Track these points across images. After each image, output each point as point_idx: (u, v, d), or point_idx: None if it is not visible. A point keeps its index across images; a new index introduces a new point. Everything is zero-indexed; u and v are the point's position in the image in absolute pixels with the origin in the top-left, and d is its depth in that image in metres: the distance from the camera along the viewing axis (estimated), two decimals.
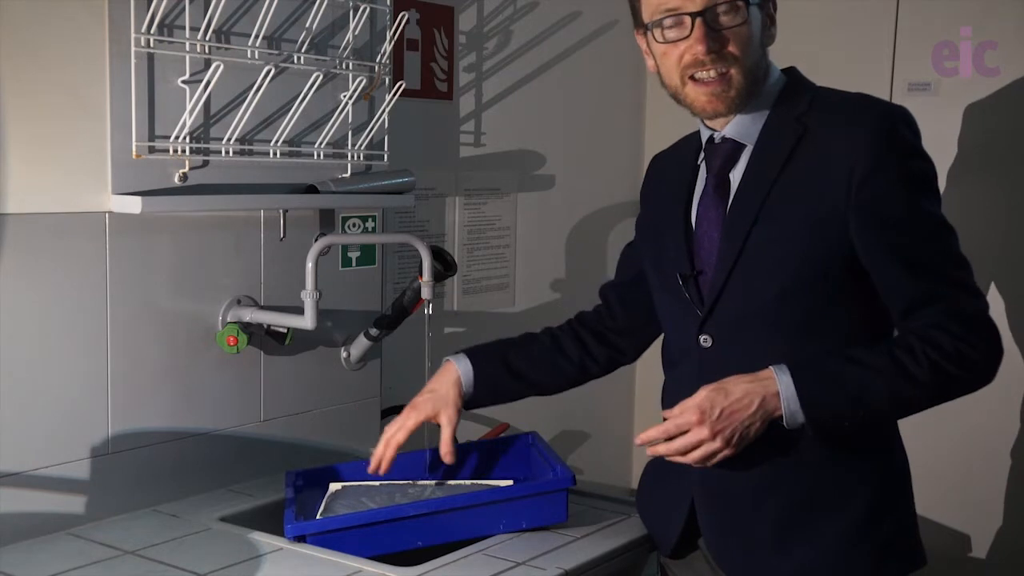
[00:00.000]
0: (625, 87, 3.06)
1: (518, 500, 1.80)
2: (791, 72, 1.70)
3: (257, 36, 1.93)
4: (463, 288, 2.62)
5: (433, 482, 1.93)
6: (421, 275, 2.04)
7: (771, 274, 1.60)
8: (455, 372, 1.85)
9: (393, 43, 2.21)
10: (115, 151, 1.83)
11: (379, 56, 2.20)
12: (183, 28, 1.89)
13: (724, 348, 1.64)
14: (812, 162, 1.59)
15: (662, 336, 1.85)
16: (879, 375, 1.54)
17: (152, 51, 1.86)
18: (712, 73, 1.59)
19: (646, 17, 1.64)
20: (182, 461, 1.98)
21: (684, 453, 1.56)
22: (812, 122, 1.62)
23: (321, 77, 2.04)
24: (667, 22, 1.60)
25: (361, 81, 2.13)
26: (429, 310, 2.10)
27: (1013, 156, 2.53)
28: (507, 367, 1.88)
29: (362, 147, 2.19)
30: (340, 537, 1.72)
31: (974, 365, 1.55)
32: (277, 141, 2.03)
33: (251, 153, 2.02)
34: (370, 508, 1.81)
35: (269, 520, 1.88)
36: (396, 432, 1.83)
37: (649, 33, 1.64)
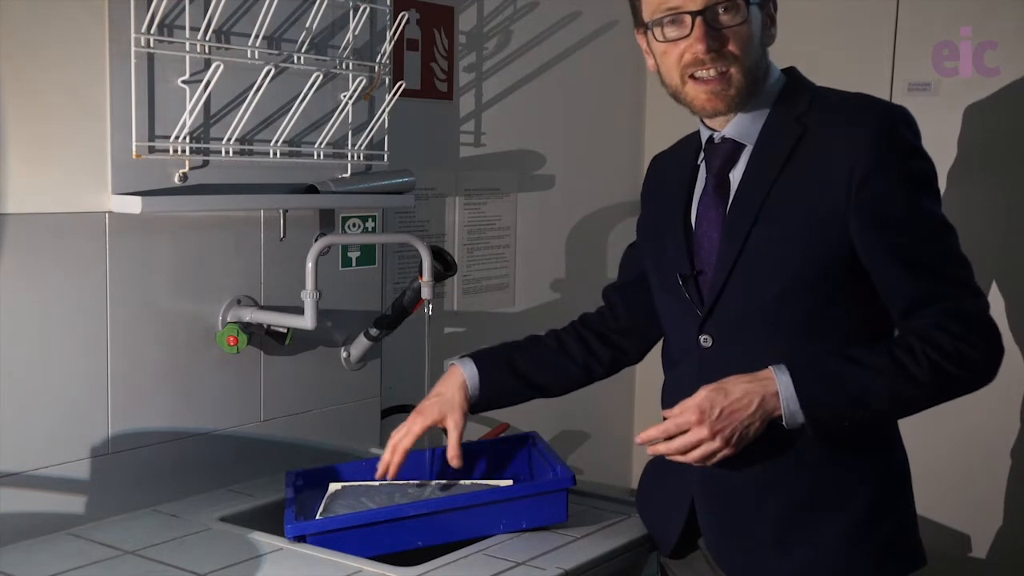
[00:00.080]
0: (625, 87, 3.07)
1: (518, 500, 1.80)
2: (791, 72, 1.71)
3: (257, 36, 1.93)
4: (463, 288, 2.62)
5: (433, 482, 1.93)
6: (421, 275, 2.04)
7: (771, 274, 1.60)
8: (461, 376, 1.85)
9: (393, 43, 2.21)
10: (115, 151, 1.83)
11: (379, 56, 2.20)
12: (183, 28, 1.89)
13: (724, 348, 1.64)
14: (812, 162, 1.59)
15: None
16: (879, 375, 1.54)
17: (152, 51, 1.86)
18: (712, 72, 1.59)
19: (646, 16, 1.64)
20: (182, 461, 1.98)
21: (684, 452, 1.56)
22: (812, 122, 1.62)
23: (321, 77, 2.04)
24: (667, 21, 1.60)
25: (361, 81, 2.13)
26: (429, 310, 2.10)
27: (1013, 156, 2.53)
28: (512, 370, 1.88)
29: (362, 147, 2.19)
30: (340, 537, 1.72)
31: (974, 365, 1.55)
32: (277, 141, 2.03)
33: (251, 153, 2.02)
34: (370, 508, 1.81)
35: (269, 520, 1.88)
36: (403, 437, 1.83)
37: (649, 32, 1.64)
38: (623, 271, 1.96)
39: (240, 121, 1.95)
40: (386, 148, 2.24)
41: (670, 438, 1.58)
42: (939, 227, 1.59)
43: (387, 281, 2.37)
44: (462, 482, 1.94)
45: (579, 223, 2.94)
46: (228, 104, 1.98)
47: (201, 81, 1.87)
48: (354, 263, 2.27)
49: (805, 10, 2.59)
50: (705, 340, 1.65)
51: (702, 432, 1.53)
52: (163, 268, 1.93)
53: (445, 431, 1.84)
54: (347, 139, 2.18)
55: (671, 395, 1.76)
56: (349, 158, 2.18)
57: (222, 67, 1.84)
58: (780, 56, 1.70)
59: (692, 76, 1.61)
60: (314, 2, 2.02)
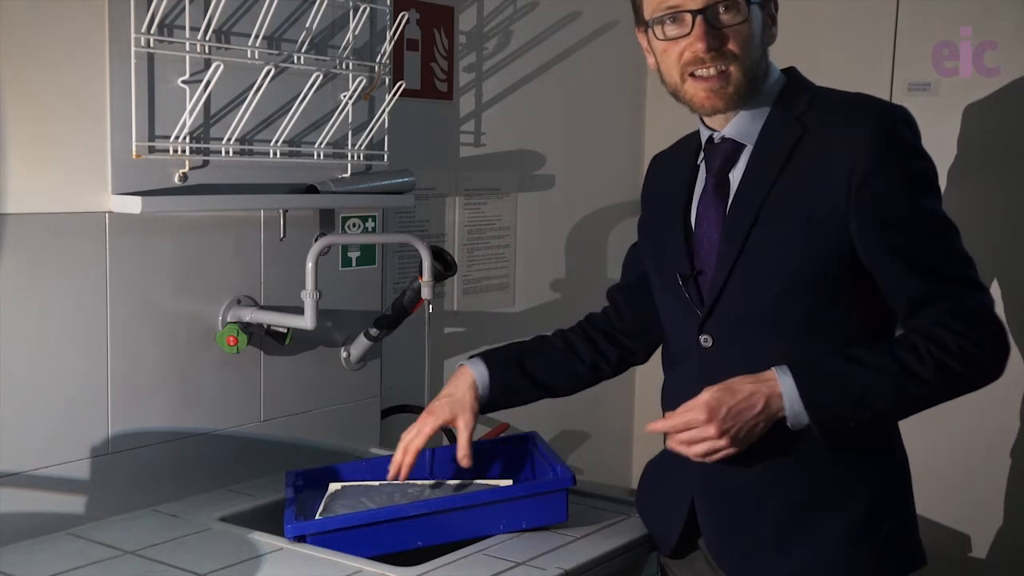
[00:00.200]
0: (625, 87, 3.07)
1: (518, 500, 1.80)
2: (791, 72, 1.71)
3: (257, 36, 1.93)
4: (463, 288, 2.62)
5: (433, 482, 1.93)
6: (421, 275, 2.04)
7: (771, 274, 1.60)
8: (471, 376, 1.85)
9: (393, 43, 2.21)
10: (115, 151, 1.83)
11: (379, 56, 2.20)
12: (183, 28, 1.89)
13: (724, 348, 1.64)
14: (812, 162, 1.59)
15: None
16: (883, 375, 1.54)
17: (152, 51, 1.86)
18: (712, 71, 1.59)
19: (647, 14, 1.64)
20: (182, 461, 1.98)
21: (688, 444, 1.56)
22: (812, 122, 1.62)
23: (321, 77, 2.04)
24: (668, 19, 1.60)
25: (361, 81, 2.13)
26: (429, 310, 2.10)
27: (1013, 156, 2.53)
28: (521, 370, 1.88)
29: (362, 147, 2.19)
30: (340, 537, 1.72)
31: (978, 362, 1.55)
32: (277, 141, 2.03)
33: (251, 153, 2.02)
34: (369, 508, 1.81)
35: (269, 520, 1.88)
36: (414, 438, 1.83)
37: (650, 30, 1.64)
38: (626, 272, 1.96)
39: (240, 121, 1.95)
40: (386, 148, 2.24)
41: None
42: (940, 225, 1.58)
43: (387, 281, 2.37)
44: (462, 482, 1.94)
45: (579, 223, 2.94)
46: (228, 104, 1.98)
47: (201, 81, 1.87)
48: (354, 263, 2.27)
49: (805, 10, 2.59)
50: (705, 340, 1.65)
51: (709, 430, 1.53)
52: (163, 268, 1.93)
53: (453, 430, 1.84)
54: (347, 139, 2.18)
55: (671, 395, 1.76)
56: (349, 158, 2.18)
57: (222, 67, 1.84)
58: (780, 56, 1.70)
59: (692, 74, 1.61)
60: (314, 2, 2.02)
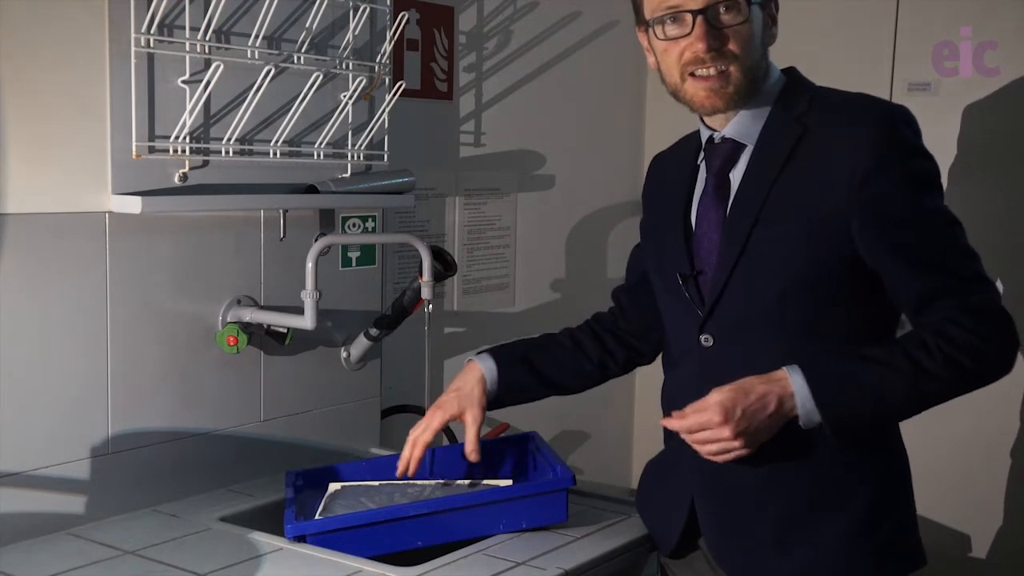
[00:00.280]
0: (625, 87, 3.07)
1: (518, 500, 1.80)
2: (791, 72, 1.70)
3: (257, 36, 1.93)
4: (463, 288, 2.62)
5: (433, 482, 1.93)
6: (421, 275, 2.04)
7: (772, 274, 1.60)
8: (479, 371, 1.85)
9: (393, 43, 2.21)
10: (115, 151, 1.83)
11: (379, 56, 2.20)
12: (183, 28, 1.89)
13: (725, 348, 1.64)
14: (813, 162, 1.59)
15: None
16: (894, 372, 1.53)
17: (152, 51, 1.86)
18: (712, 70, 1.59)
19: (648, 14, 1.64)
20: (182, 461, 1.98)
21: (702, 443, 1.56)
22: (812, 122, 1.62)
23: (321, 77, 2.04)
24: (668, 19, 1.60)
25: (361, 81, 2.13)
26: (429, 310, 2.10)
27: (1013, 156, 2.53)
28: (529, 366, 1.88)
29: (362, 147, 2.19)
30: (340, 537, 1.72)
31: (987, 357, 1.55)
32: (277, 141, 2.03)
33: (251, 153, 2.02)
34: (369, 508, 1.81)
35: (269, 520, 1.88)
36: (422, 432, 1.83)
37: (650, 30, 1.64)
38: (630, 273, 1.96)
39: (240, 121, 1.95)
40: (386, 148, 2.24)
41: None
42: (943, 222, 1.58)
43: (387, 281, 2.37)
44: (462, 482, 1.94)
45: (579, 223, 2.94)
46: (228, 104, 1.98)
47: (201, 81, 1.87)
48: (354, 263, 2.27)
49: (805, 10, 2.59)
50: (706, 340, 1.65)
51: (724, 432, 1.52)
52: (163, 268, 1.93)
53: (454, 431, 1.84)
54: (347, 139, 2.18)
55: (671, 396, 1.76)
56: (349, 158, 2.18)
57: (222, 67, 1.84)
58: (780, 56, 1.70)
59: (692, 74, 1.61)
60: (314, 2, 2.02)
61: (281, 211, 2.08)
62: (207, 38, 1.90)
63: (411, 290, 2.16)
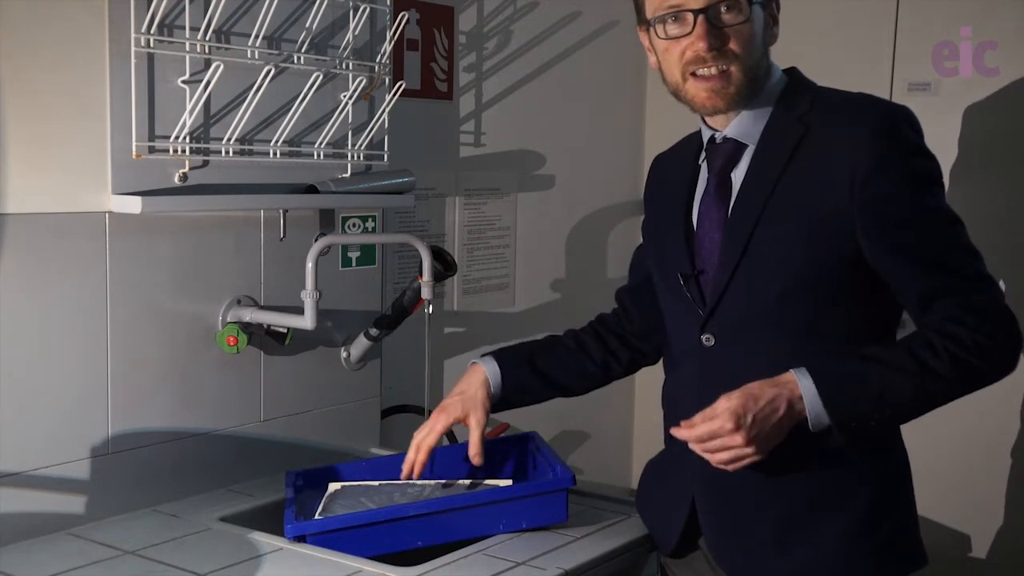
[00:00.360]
0: (625, 87, 3.06)
1: (518, 500, 1.80)
2: (792, 72, 1.70)
3: (257, 36, 1.93)
4: (463, 288, 2.62)
5: (433, 482, 1.93)
6: (421, 275, 2.04)
7: (774, 274, 1.60)
8: (483, 374, 1.85)
9: (393, 43, 2.21)
10: (115, 151, 1.83)
11: (379, 56, 2.20)
12: (183, 28, 1.89)
13: (726, 348, 1.64)
14: (814, 162, 1.59)
15: None
16: (900, 372, 1.53)
17: (152, 51, 1.85)
18: (713, 70, 1.59)
19: (649, 13, 1.64)
20: (182, 461, 1.98)
21: (712, 452, 1.55)
22: (814, 122, 1.62)
23: (321, 77, 2.04)
24: (669, 18, 1.60)
25: (361, 81, 2.13)
26: (429, 310, 2.10)
27: (1013, 156, 2.53)
28: (533, 369, 1.88)
29: (362, 147, 2.19)
30: (340, 537, 1.72)
31: (992, 355, 1.55)
32: (277, 141, 2.03)
33: (251, 153, 2.02)
34: (369, 508, 1.81)
35: (269, 520, 1.88)
36: (426, 435, 1.83)
37: (652, 29, 1.64)
38: (633, 273, 1.96)
39: (240, 121, 1.95)
40: (386, 148, 2.24)
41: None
42: (945, 222, 1.58)
43: (387, 281, 2.37)
44: (462, 482, 1.94)
45: (579, 223, 2.93)
46: (228, 104, 1.98)
47: (201, 81, 1.87)
48: (354, 263, 2.27)
49: (805, 10, 2.59)
50: (707, 340, 1.65)
51: (736, 439, 1.51)
52: (163, 268, 1.93)
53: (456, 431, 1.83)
54: (347, 139, 2.18)
55: (672, 396, 1.77)
56: (349, 158, 2.18)
57: (222, 67, 1.84)
58: (781, 56, 1.70)
59: (693, 74, 1.61)
60: (314, 2, 2.02)
61: (281, 211, 2.08)
62: (207, 38, 1.90)
63: (411, 290, 2.16)
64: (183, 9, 1.89)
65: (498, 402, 1.85)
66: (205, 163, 1.95)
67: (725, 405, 1.52)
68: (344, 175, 2.16)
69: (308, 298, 1.95)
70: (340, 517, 1.76)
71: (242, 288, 2.06)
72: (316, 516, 1.81)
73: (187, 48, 1.89)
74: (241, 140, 1.99)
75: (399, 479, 1.91)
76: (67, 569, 1.64)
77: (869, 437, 1.62)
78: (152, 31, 1.84)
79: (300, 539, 1.72)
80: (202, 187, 1.94)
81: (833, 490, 1.62)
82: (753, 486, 1.63)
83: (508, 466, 2.02)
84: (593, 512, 1.93)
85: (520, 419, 2.47)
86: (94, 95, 1.81)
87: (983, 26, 2.54)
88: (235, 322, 2.02)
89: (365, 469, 1.99)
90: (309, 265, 1.95)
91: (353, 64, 2.15)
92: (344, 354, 2.25)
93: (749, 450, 1.52)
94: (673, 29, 1.60)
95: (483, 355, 1.89)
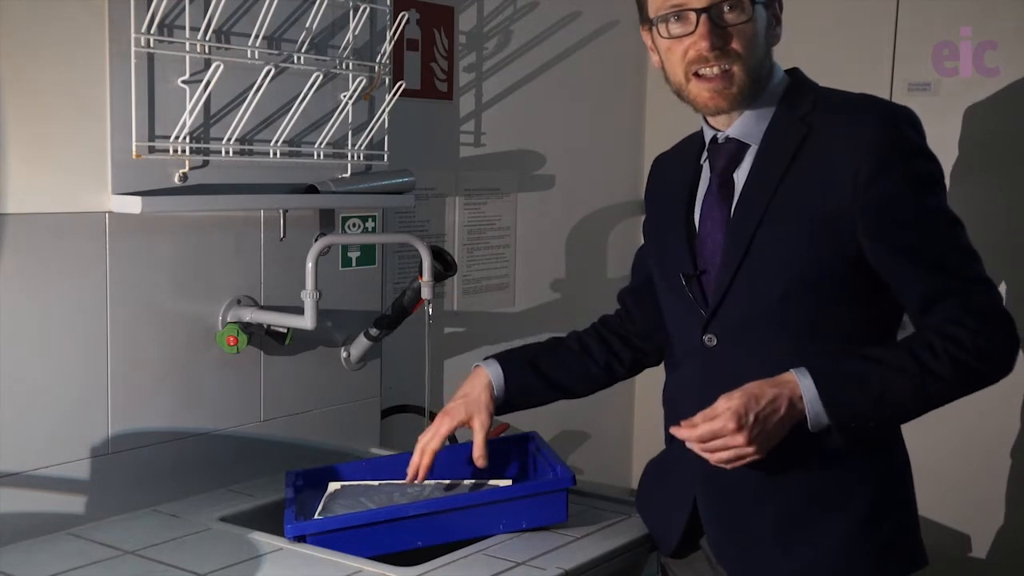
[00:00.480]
0: (625, 87, 3.06)
1: (518, 500, 1.80)
2: (795, 73, 1.71)
3: (257, 36, 1.93)
4: (463, 288, 2.62)
5: (433, 482, 1.93)
6: (421, 275, 2.04)
7: (776, 274, 1.60)
8: (486, 377, 1.85)
9: (393, 43, 2.21)
10: (115, 151, 1.83)
11: (379, 56, 2.20)
12: (183, 28, 1.89)
13: (728, 348, 1.64)
14: (817, 162, 1.59)
15: None
16: (901, 373, 1.54)
17: (152, 51, 1.85)
18: (715, 70, 1.59)
19: (651, 12, 1.64)
20: (182, 461, 1.98)
21: (713, 452, 1.55)
22: (816, 122, 1.62)
23: (321, 77, 2.04)
24: (672, 18, 1.60)
25: (361, 81, 2.13)
26: (429, 310, 2.10)
27: (1013, 156, 2.53)
28: (536, 370, 1.88)
29: (362, 147, 2.19)
30: (340, 537, 1.72)
31: (991, 357, 1.55)
32: (277, 141, 2.03)
33: (251, 153, 2.02)
34: (369, 508, 1.81)
35: (269, 520, 1.88)
36: (431, 439, 1.82)
37: (654, 29, 1.64)
38: (635, 274, 1.96)
39: (240, 121, 1.95)
40: (386, 148, 2.24)
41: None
42: (946, 223, 1.59)
43: (387, 281, 2.37)
44: (462, 482, 1.94)
45: (579, 223, 2.93)
46: (228, 104, 1.98)
47: (201, 81, 1.87)
48: (354, 263, 2.27)
49: (805, 10, 2.58)
50: (710, 340, 1.65)
51: (738, 439, 1.51)
52: (163, 268, 1.93)
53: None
54: (347, 139, 2.18)
55: (673, 396, 1.76)
56: (349, 158, 2.18)
57: (222, 67, 1.84)
58: (780, 56, 1.70)
59: (696, 74, 1.61)
60: (314, 2, 2.02)
61: (281, 211, 2.08)
62: (207, 38, 1.90)
63: (411, 290, 2.16)
64: (183, 9, 1.88)
65: (501, 405, 1.85)
66: (205, 163, 1.95)
67: (726, 405, 1.52)
68: (344, 175, 2.16)
69: (308, 298, 1.95)
70: (340, 517, 1.76)
71: (242, 288, 2.05)
72: (316, 516, 1.81)
73: (187, 48, 1.89)
74: (241, 140, 1.99)
75: (399, 479, 1.91)
76: (67, 569, 1.64)
77: (870, 437, 1.62)
78: (152, 31, 1.84)
79: (300, 539, 1.72)
80: (202, 187, 1.94)
81: (834, 490, 1.63)
82: (754, 485, 1.63)
83: (508, 466, 2.02)
84: (593, 512, 1.93)
85: (520, 419, 2.46)
86: (94, 95, 1.81)
87: (983, 26, 2.54)
88: (235, 322, 2.02)
89: (365, 469, 1.99)
90: (309, 265, 1.94)
91: (353, 64, 2.15)
92: (344, 354, 2.25)
93: (750, 450, 1.52)
94: (676, 28, 1.60)
95: (486, 358, 1.89)
